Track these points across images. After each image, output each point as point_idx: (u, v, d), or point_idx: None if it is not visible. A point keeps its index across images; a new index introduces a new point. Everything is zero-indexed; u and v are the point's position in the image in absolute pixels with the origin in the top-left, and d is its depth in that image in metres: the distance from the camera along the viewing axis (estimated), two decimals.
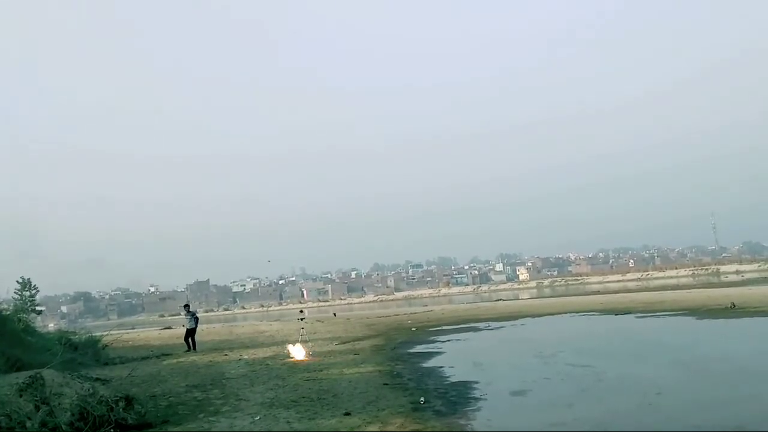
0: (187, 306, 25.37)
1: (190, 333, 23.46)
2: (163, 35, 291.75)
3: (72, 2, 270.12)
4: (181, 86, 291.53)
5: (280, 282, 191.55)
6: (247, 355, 19.87)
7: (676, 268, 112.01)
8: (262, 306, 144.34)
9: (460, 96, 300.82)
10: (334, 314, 59.87)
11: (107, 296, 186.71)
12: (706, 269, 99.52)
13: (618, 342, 18.30)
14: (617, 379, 12.11)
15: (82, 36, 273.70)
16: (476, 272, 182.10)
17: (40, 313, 54.85)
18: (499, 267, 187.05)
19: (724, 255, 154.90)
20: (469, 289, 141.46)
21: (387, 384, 12.84)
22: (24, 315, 32.95)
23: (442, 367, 15.41)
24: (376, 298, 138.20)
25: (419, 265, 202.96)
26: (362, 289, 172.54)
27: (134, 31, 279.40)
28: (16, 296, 48.47)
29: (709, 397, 10.15)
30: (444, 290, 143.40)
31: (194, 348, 22.92)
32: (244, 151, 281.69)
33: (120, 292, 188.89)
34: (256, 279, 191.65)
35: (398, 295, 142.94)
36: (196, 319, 23.94)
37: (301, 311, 27.46)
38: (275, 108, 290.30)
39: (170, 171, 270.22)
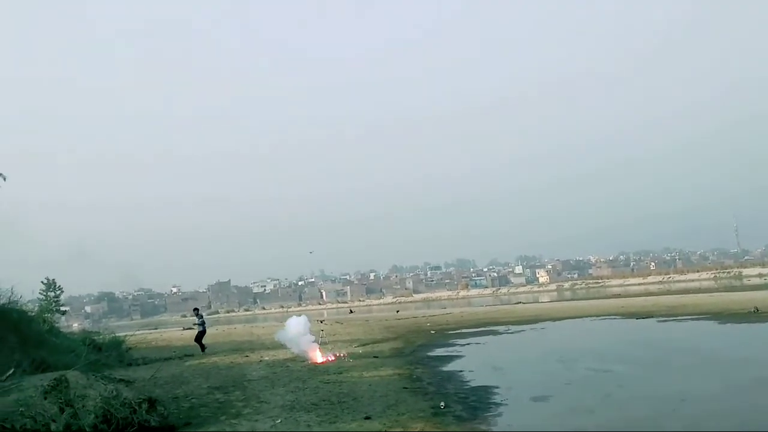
0: (196, 309, 26.38)
1: (201, 335, 24.33)
2: None
3: None
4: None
5: (300, 283, 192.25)
6: (267, 356, 19.95)
7: (698, 271, 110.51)
8: (282, 307, 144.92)
9: (477, 99, 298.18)
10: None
11: (130, 296, 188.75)
12: (728, 272, 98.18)
13: (640, 347, 18.09)
14: (640, 384, 12.00)
15: None
16: (495, 274, 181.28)
17: (64, 313, 55.80)
18: (518, 269, 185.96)
19: (746, 258, 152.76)
20: (488, 291, 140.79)
21: (407, 388, 12.83)
22: (49, 315, 33.47)
23: (461, 371, 15.37)
24: (394, 299, 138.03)
25: (438, 267, 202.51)
26: (381, 291, 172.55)
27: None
28: (41, 297, 49.30)
29: (733, 404, 10.02)
30: (462, 292, 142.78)
31: (202, 348, 23.63)
32: (259, 151, 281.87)
33: (143, 293, 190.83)
34: (276, 280, 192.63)
35: (417, 296, 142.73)
36: (201, 323, 24.84)
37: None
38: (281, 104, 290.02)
39: (184, 172, 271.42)
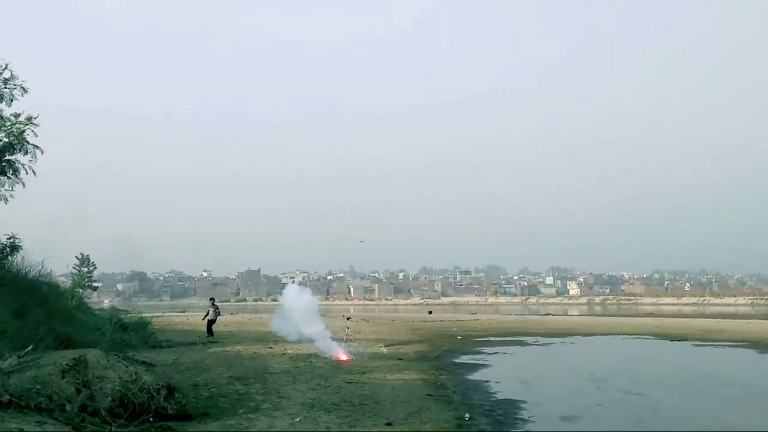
0: (212, 299, 27.92)
1: (211, 323, 25.22)
2: None
3: None
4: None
5: (328, 277, 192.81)
6: (291, 349, 19.66)
7: (734, 296, 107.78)
8: None
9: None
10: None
11: (161, 277, 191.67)
12: (766, 299, 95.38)
13: (675, 371, 17.43)
14: (675, 411, 11.44)
15: None
16: (525, 283, 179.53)
17: (95, 289, 56.69)
18: (549, 280, 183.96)
19: None
20: (517, 300, 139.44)
21: (431, 395, 12.46)
22: (80, 290, 33.89)
23: (488, 381, 14.93)
24: (422, 301, 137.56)
25: (467, 272, 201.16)
26: (409, 291, 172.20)
27: None
28: (74, 271, 50.13)
29: None
30: (491, 299, 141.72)
31: (211, 334, 24.47)
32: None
33: (174, 275, 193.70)
34: (305, 272, 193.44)
35: (444, 300, 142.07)
36: (218, 312, 26.05)
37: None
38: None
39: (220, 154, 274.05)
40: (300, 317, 19.30)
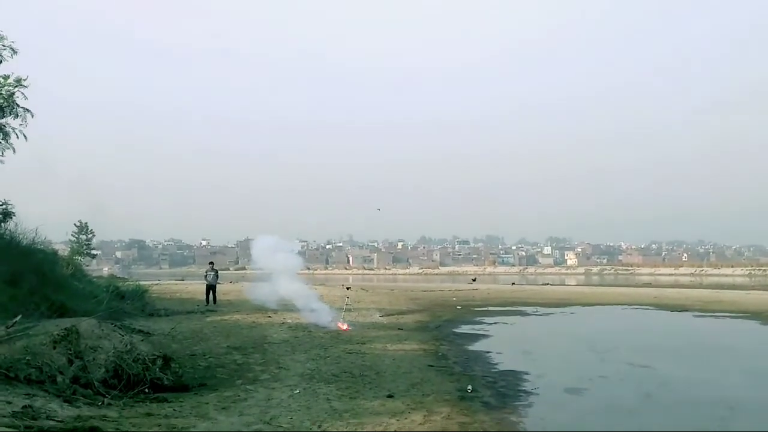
0: (212, 263, 27.14)
1: (211, 288, 24.99)
2: None
3: None
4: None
5: (327, 246, 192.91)
6: (290, 318, 19.41)
7: (732, 266, 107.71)
8: (308, 269, 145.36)
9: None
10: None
11: (160, 245, 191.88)
12: (764, 270, 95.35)
13: (679, 342, 17.16)
14: (683, 385, 11.18)
15: None
16: (523, 253, 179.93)
17: (94, 257, 56.43)
18: (547, 250, 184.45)
19: None
20: (515, 269, 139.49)
21: (432, 366, 12.25)
22: (78, 258, 33.59)
23: (489, 352, 14.70)
24: (420, 270, 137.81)
25: (466, 242, 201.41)
26: (407, 261, 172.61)
27: None
28: (73, 239, 49.83)
29: None
30: (489, 269, 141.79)
31: (215, 302, 24.37)
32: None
33: (173, 243, 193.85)
34: (304, 242, 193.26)
35: (443, 269, 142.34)
36: (217, 277, 25.88)
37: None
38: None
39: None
40: (278, 279, 18.88)
